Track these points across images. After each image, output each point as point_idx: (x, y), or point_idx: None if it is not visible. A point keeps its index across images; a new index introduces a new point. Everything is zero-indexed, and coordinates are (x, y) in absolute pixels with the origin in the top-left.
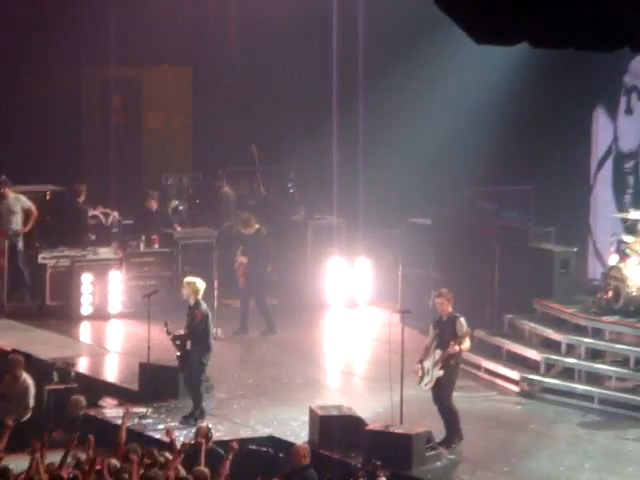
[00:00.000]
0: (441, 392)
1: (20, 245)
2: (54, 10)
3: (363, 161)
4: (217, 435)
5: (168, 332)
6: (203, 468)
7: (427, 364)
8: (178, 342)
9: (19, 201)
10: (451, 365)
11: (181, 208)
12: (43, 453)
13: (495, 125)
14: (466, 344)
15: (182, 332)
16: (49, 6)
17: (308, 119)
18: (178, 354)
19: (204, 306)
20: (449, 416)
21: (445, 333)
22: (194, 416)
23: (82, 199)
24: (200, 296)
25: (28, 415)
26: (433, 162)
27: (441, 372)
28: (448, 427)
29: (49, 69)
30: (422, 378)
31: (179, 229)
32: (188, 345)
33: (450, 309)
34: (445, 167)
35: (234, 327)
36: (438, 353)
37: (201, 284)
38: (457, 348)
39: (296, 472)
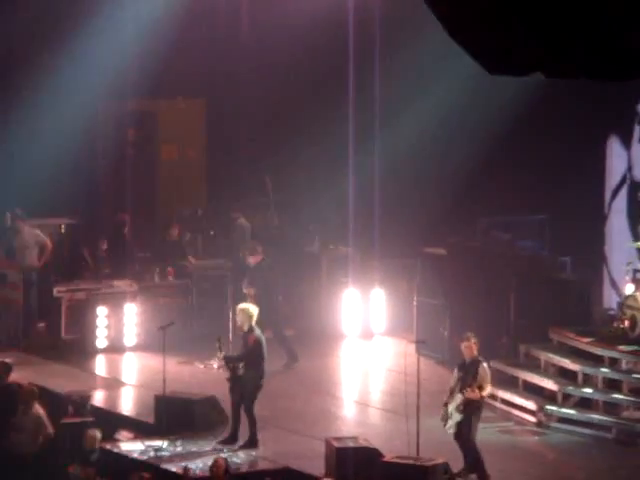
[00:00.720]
0: (462, 434)
1: (34, 279)
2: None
3: (379, 192)
4: (234, 467)
5: (220, 349)
6: None
7: (450, 407)
8: (230, 364)
9: (34, 235)
10: (472, 410)
11: (196, 239)
12: None
13: (510, 155)
14: (487, 390)
15: (234, 354)
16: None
17: (323, 150)
18: (227, 376)
19: (258, 332)
20: (474, 459)
21: (468, 376)
22: (253, 442)
23: (126, 229)
24: (254, 322)
25: (49, 441)
26: (448, 193)
27: (460, 417)
28: (476, 470)
29: (65, 101)
30: (446, 422)
31: (193, 261)
32: (240, 370)
33: (475, 353)
34: (460, 197)
35: None
36: (459, 397)
37: (254, 310)
38: (476, 394)
39: None
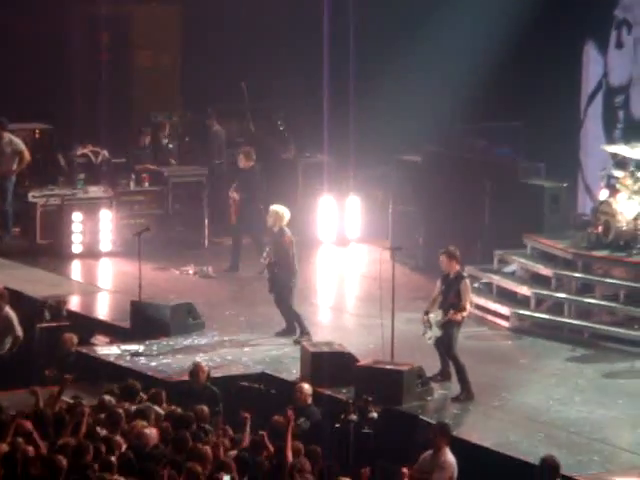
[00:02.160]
0: (441, 346)
1: (9, 186)
2: None
3: (353, 99)
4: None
5: (266, 259)
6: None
7: (432, 317)
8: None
9: (12, 144)
10: (452, 326)
11: (171, 146)
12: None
13: (485, 61)
14: (468, 308)
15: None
16: None
17: (299, 56)
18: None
19: (289, 232)
20: (457, 368)
21: (450, 291)
22: (304, 332)
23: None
24: (284, 223)
25: (18, 344)
26: (423, 99)
27: (440, 332)
28: (460, 381)
29: (36, 5)
30: (426, 330)
31: (173, 162)
32: (275, 269)
33: (457, 267)
34: (435, 104)
35: (225, 265)
36: (440, 313)
37: (285, 211)
38: (458, 317)
39: (299, 411)
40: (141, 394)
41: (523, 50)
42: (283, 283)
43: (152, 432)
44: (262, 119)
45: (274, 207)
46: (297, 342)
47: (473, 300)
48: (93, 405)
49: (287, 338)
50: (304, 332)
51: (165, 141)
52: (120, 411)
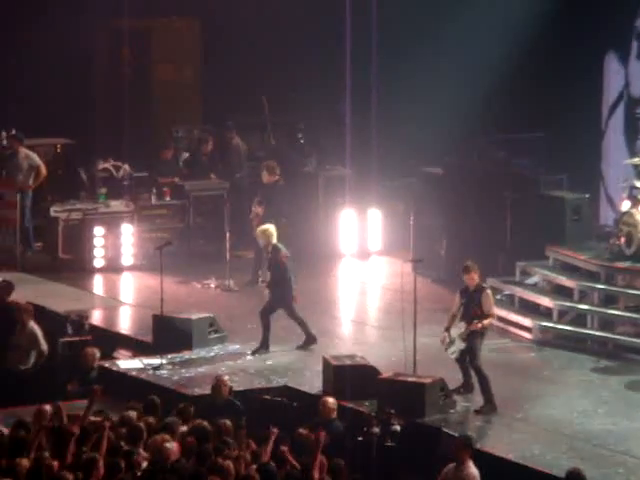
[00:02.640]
0: (464, 360)
1: (27, 201)
2: None
3: (375, 111)
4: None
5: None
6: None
7: (453, 332)
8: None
9: (28, 159)
10: (476, 337)
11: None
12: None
13: (506, 73)
14: (487, 321)
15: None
16: None
17: (320, 69)
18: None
19: (283, 248)
20: (480, 379)
21: (472, 304)
22: (310, 340)
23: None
24: (275, 240)
25: (43, 359)
26: (445, 111)
27: (464, 345)
28: (483, 392)
29: (58, 21)
30: (448, 346)
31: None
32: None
33: (478, 281)
34: (457, 116)
35: (246, 278)
36: (463, 325)
37: (272, 228)
38: (479, 326)
39: (323, 425)
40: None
41: (544, 61)
42: (282, 299)
43: (173, 446)
44: (282, 132)
45: (261, 228)
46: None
47: (495, 311)
48: (115, 420)
49: (308, 350)
50: (311, 338)
51: (185, 155)
52: (142, 425)
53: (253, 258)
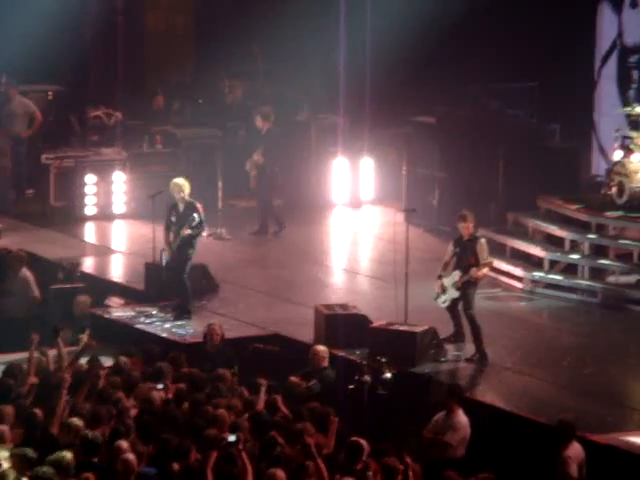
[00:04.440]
0: (456, 308)
1: (22, 148)
2: None
3: (369, 60)
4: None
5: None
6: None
7: (446, 282)
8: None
9: (23, 105)
10: (470, 286)
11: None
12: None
13: (499, 21)
14: (485, 270)
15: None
16: None
17: (313, 18)
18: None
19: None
20: (473, 328)
21: (466, 253)
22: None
23: None
24: (188, 193)
25: (35, 305)
26: (438, 60)
27: (457, 293)
28: (475, 341)
29: None
30: (439, 295)
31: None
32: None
33: (472, 231)
34: (449, 64)
35: (236, 227)
36: (457, 274)
37: (186, 182)
38: (479, 274)
39: (315, 373)
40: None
41: (537, 10)
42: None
43: (160, 394)
44: (274, 81)
45: (176, 180)
46: None
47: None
48: (108, 367)
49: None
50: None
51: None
52: (136, 374)
53: (257, 208)
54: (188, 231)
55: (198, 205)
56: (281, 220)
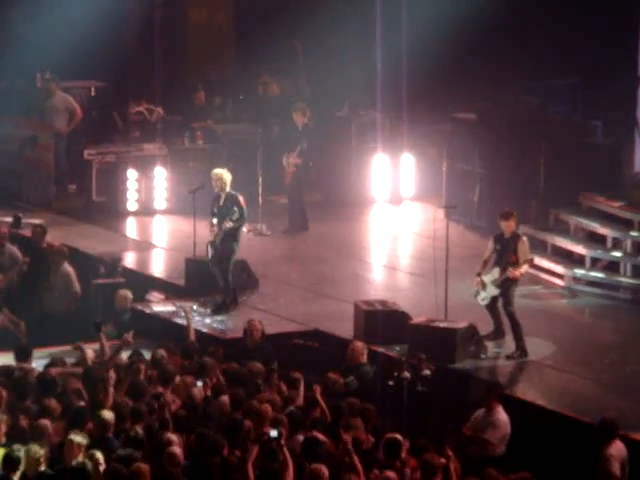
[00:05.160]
0: (496, 306)
1: (62, 144)
2: None
3: (408, 55)
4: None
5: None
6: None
7: (485, 279)
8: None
9: (65, 100)
10: (510, 284)
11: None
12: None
13: (542, 16)
14: (524, 268)
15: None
16: None
17: (352, 13)
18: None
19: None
20: (513, 325)
21: (507, 250)
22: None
23: None
24: (229, 186)
25: (77, 300)
26: (480, 56)
27: (497, 291)
28: (515, 338)
29: None
30: (479, 292)
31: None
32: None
33: (514, 227)
34: (490, 60)
35: (276, 223)
36: (497, 271)
37: (228, 175)
38: (517, 274)
39: (353, 369)
40: None
41: (581, 4)
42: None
43: (199, 390)
44: (315, 77)
45: (216, 171)
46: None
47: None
48: (147, 362)
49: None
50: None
51: (218, 100)
52: (172, 367)
53: (288, 204)
54: (230, 224)
55: (240, 198)
56: (306, 219)
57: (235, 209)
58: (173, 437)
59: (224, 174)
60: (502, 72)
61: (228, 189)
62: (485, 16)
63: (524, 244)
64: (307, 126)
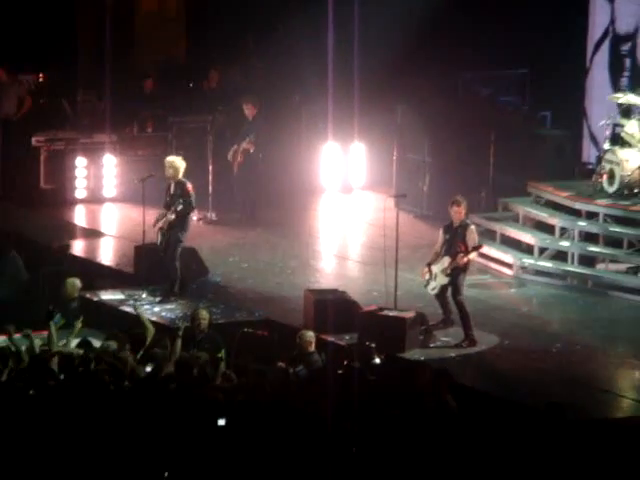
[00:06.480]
0: (445, 295)
1: (12, 129)
2: None
3: (359, 44)
4: (213, 318)
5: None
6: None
7: (435, 269)
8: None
9: (14, 87)
10: (459, 272)
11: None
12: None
13: (490, 7)
14: (472, 255)
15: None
16: None
17: (303, 5)
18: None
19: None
20: (462, 314)
21: (455, 239)
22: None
23: None
24: (182, 175)
25: (24, 288)
26: (428, 46)
27: (447, 280)
28: (464, 327)
29: None
30: (429, 282)
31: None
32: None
33: (464, 217)
34: (441, 52)
35: (226, 212)
36: (446, 260)
37: (182, 162)
38: (465, 260)
39: (302, 358)
40: None
41: None
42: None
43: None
44: (265, 68)
45: (170, 158)
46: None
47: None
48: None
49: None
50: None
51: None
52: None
53: (237, 194)
54: (172, 216)
55: (188, 185)
56: (255, 208)
57: (180, 200)
58: None
59: (177, 161)
60: (452, 63)
61: (180, 177)
62: (434, 8)
63: (472, 232)
64: (256, 118)
